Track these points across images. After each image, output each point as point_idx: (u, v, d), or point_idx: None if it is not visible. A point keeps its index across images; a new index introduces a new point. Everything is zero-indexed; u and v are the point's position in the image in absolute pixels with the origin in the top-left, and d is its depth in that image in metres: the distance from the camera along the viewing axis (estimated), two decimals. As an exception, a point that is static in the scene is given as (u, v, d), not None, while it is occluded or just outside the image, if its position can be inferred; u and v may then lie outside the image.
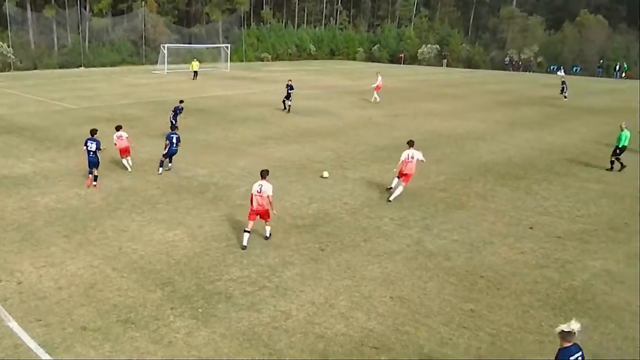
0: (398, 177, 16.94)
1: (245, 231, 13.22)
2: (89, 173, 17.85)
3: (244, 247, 13.13)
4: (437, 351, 9.18)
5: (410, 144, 16.84)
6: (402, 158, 16.58)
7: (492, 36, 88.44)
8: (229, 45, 72.53)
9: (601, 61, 73.52)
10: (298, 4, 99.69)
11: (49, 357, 8.78)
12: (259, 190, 13.05)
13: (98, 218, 14.91)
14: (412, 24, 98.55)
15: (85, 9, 72.79)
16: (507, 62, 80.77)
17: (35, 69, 64.71)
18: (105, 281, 11.29)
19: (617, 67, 71.40)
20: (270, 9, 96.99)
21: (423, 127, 29.45)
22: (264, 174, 13.33)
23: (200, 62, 59.17)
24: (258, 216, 13.21)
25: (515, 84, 55.87)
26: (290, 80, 36.12)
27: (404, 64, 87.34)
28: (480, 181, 19.34)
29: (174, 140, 19.41)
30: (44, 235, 13.63)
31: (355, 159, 22.07)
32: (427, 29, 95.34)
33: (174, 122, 23.82)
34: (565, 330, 7.08)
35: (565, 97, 43.18)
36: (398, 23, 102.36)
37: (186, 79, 53.95)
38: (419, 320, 10.10)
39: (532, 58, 79.55)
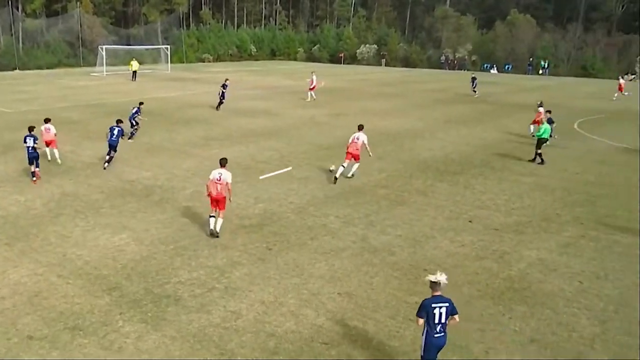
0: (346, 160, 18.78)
1: (211, 216, 14.04)
2: (32, 171, 18.40)
3: (211, 232, 13.92)
4: (384, 344, 9.48)
5: (360, 127, 19.34)
6: (350, 139, 18.86)
7: (428, 35, 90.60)
8: (168, 46, 71.56)
9: (531, 59, 76.46)
10: (237, 4, 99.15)
11: (-6, 368, 8.62)
12: (219, 178, 13.71)
13: (40, 224, 14.56)
14: (351, 24, 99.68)
15: (18, 9, 70.20)
16: (442, 61, 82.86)
17: (-34, 71, 62.04)
18: (50, 289, 11.09)
19: (546, 65, 74.47)
20: (210, 9, 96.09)
21: (365, 125, 29.83)
22: (223, 162, 14.02)
23: (139, 62, 58.11)
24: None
25: (451, 82, 57.41)
26: (227, 79, 36.35)
27: (343, 63, 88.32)
28: (421, 177, 19.91)
29: (115, 132, 20.20)
30: (-17, 244, 13.25)
31: (299, 159, 22.30)
32: (365, 28, 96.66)
33: (132, 122, 25.32)
34: (432, 280, 7.97)
35: (474, 92, 45.18)
36: (337, 23, 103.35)
37: (126, 80, 52.89)
38: (366, 314, 10.39)
39: (466, 57, 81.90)
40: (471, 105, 39.86)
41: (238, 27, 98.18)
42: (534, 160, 22.34)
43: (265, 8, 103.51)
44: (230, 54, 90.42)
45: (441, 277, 7.97)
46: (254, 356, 9.07)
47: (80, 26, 72.69)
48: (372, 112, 35.28)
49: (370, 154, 19.10)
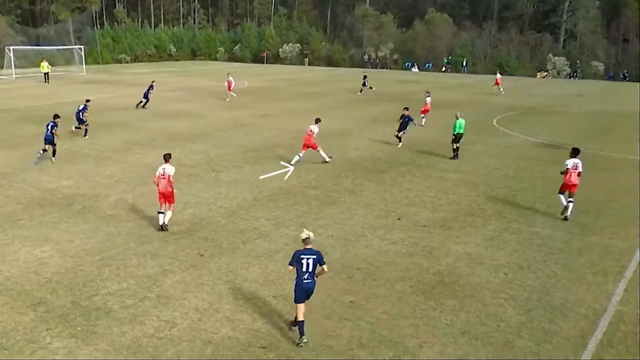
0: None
1: (159, 212, 14.60)
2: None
3: (160, 227, 14.49)
4: (321, 344, 9.53)
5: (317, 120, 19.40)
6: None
7: (350, 34, 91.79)
8: (82, 46, 68.73)
9: (449, 57, 79.00)
10: (153, 3, 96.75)
11: None
12: (163, 173, 14.44)
13: (-48, 240, 13.72)
14: (272, 22, 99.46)
15: None
16: (365, 60, 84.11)
17: None
18: (-32, 308, 10.48)
19: (464, 63, 77.13)
20: (124, 7, 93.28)
21: (291, 126, 29.95)
22: (166, 158, 14.79)
23: (51, 64, 55.63)
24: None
25: (375, 81, 58.26)
26: (154, 81, 35.78)
27: (267, 63, 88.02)
28: (349, 177, 20.17)
29: (49, 127, 21.37)
30: None
31: (227, 161, 22.07)
32: (287, 27, 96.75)
33: (80, 119, 26.39)
34: (303, 237, 9.69)
35: (369, 88, 47.18)
36: (258, 22, 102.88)
37: (37, 83, 50.57)
38: (302, 316, 10.44)
39: (388, 55, 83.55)
40: (395, 103, 40.62)
41: (156, 26, 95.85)
42: (454, 157, 23.11)
43: (183, 6, 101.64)
44: (149, 55, 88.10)
45: (310, 234, 9.68)
46: (191, 365, 8.93)
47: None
48: (297, 112, 35.38)
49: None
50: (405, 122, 25.72)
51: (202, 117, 33.11)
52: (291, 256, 9.70)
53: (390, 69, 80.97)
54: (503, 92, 49.34)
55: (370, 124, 31.66)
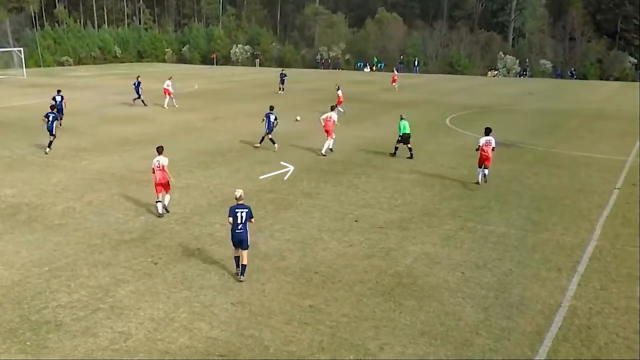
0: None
1: (157, 201, 15.97)
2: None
3: (160, 215, 15.85)
4: (282, 350, 9.42)
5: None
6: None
7: (301, 34, 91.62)
8: (21, 48, 66.27)
9: (402, 57, 79.83)
10: (96, 2, 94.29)
11: None
12: (158, 165, 15.72)
13: None
14: (220, 23, 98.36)
15: None
16: (318, 60, 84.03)
17: None
18: None
19: (416, 63, 78.10)
20: (65, 7, 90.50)
21: (244, 129, 29.60)
22: (159, 150, 16.01)
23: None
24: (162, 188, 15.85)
25: (328, 82, 58.39)
26: (139, 76, 38.30)
27: (217, 64, 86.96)
28: (305, 179, 20.06)
29: (50, 118, 23.71)
30: None
31: (179, 166, 21.55)
32: (236, 28, 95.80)
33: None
34: (237, 195, 12.21)
35: (282, 89, 47.71)
36: (206, 22, 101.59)
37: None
38: (261, 322, 10.27)
39: (339, 55, 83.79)
40: (348, 104, 40.73)
41: (99, 27, 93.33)
42: (394, 154, 23.73)
43: (127, 6, 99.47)
44: (93, 57, 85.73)
45: (241, 191, 12.41)
46: (149, 378, 8.66)
47: None
48: (250, 114, 34.93)
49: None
50: (268, 121, 24.58)
51: (152, 121, 32.44)
52: (228, 211, 12.05)
53: (342, 69, 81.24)
54: (397, 89, 51.57)
55: (319, 125, 31.52)
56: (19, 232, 14.57)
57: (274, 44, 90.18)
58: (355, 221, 15.74)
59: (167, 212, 16.10)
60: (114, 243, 13.94)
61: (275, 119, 24.73)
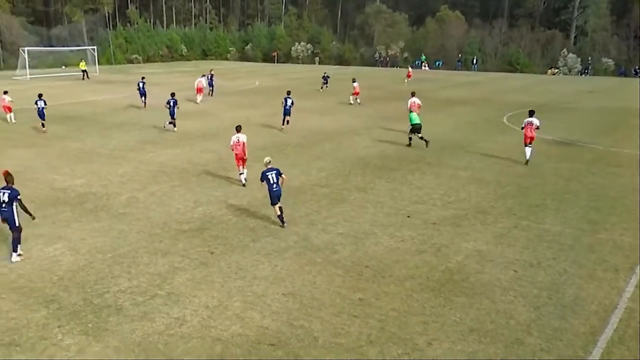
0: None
1: (240, 174, 18.67)
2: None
3: (244, 184, 18.44)
4: (331, 341, 9.55)
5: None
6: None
7: (360, 33, 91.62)
8: (95, 47, 69.18)
9: (460, 55, 78.70)
10: (165, 3, 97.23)
11: None
12: (237, 141, 18.27)
13: (-34, 238, 13.91)
14: (282, 22, 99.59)
15: None
16: (376, 58, 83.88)
17: None
18: (-18, 305, 10.62)
19: (474, 61, 76.84)
20: (137, 8, 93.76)
21: (301, 124, 29.98)
22: (238, 129, 18.71)
23: (64, 64, 56.42)
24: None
25: (385, 79, 58.31)
26: (212, 69, 42.13)
27: (277, 62, 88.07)
28: (359, 175, 20.17)
29: (171, 103, 28.03)
30: None
31: (237, 160, 22.12)
32: (297, 27, 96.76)
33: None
34: (265, 161, 14.97)
35: (324, 88, 48.29)
36: (268, 22, 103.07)
37: (52, 84, 50.94)
38: (311, 313, 10.44)
39: (398, 54, 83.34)
40: (405, 101, 40.46)
41: (167, 26, 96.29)
42: (409, 145, 24.76)
43: (194, 7, 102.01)
44: (161, 55, 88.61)
45: (269, 158, 15.25)
46: (201, 362, 8.98)
47: (-1, 27, 69.54)
48: (308, 110, 35.40)
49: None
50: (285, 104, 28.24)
51: (213, 116, 33.23)
52: (260, 175, 14.79)
53: (400, 67, 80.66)
54: (406, 83, 53.14)
55: (381, 122, 31.60)
56: (86, 220, 15.32)
57: (333, 42, 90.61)
58: (408, 217, 15.73)
59: (246, 180, 18.51)
60: (174, 232, 14.46)
61: (292, 103, 28.43)
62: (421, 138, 24.57)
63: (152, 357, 9.06)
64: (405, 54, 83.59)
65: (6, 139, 26.35)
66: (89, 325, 9.97)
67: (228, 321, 10.15)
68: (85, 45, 72.30)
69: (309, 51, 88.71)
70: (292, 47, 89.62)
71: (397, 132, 27.95)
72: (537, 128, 21.68)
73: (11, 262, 12.54)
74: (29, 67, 57.81)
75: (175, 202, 16.95)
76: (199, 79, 40.31)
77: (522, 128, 21.87)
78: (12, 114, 30.63)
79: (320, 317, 10.33)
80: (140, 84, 36.87)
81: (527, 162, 21.47)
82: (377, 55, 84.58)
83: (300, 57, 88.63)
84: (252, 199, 17.32)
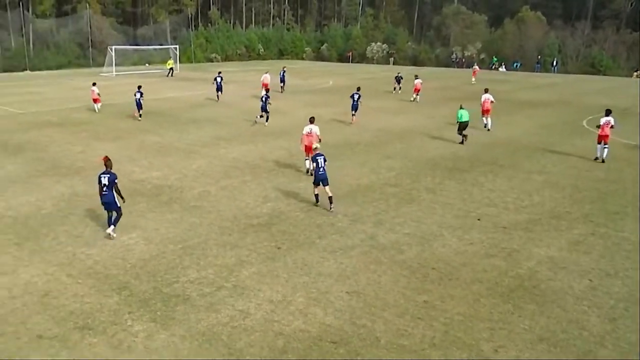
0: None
1: (306, 159, 19.64)
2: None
3: (307, 169, 19.35)
4: (393, 342, 9.44)
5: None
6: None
7: (437, 34, 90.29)
8: (177, 46, 71.57)
9: (539, 57, 76.08)
10: (245, 4, 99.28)
11: (5, 368, 8.69)
12: (309, 132, 19.25)
13: (50, 224, 14.67)
14: (359, 23, 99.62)
15: (28, 10, 70.76)
16: (453, 60, 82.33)
17: (-23, 72, 62.56)
18: (60, 288, 11.16)
19: (554, 63, 74.09)
20: (218, 9, 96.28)
21: (373, 124, 29.91)
22: (312, 120, 19.80)
23: (148, 62, 58.77)
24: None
25: (459, 80, 57.21)
26: (285, 67, 43.67)
27: (352, 62, 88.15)
28: (429, 175, 19.86)
29: (264, 98, 29.59)
30: (-6, 244, 13.37)
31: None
32: (373, 27, 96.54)
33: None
34: (314, 147, 16.56)
35: (397, 90, 46.91)
36: (345, 22, 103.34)
37: (136, 81, 52.91)
38: (375, 313, 10.36)
39: (474, 55, 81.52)
40: (479, 103, 39.54)
41: (246, 27, 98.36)
42: (462, 143, 25.01)
43: (273, 8, 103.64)
44: (239, 54, 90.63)
45: (318, 145, 16.70)
46: (263, 355, 9.06)
47: (90, 27, 73.05)
48: (381, 110, 35.24)
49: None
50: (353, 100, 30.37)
51: (287, 113, 33.59)
52: (311, 159, 16.52)
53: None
54: (474, 82, 53.38)
55: (454, 122, 30.85)
56: (160, 211, 15.85)
57: (409, 43, 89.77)
58: (478, 219, 15.34)
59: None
60: (242, 226, 14.71)
61: (359, 97, 30.36)
62: (463, 135, 25.12)
63: (215, 348, 9.24)
64: (482, 55, 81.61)
65: (93, 132, 27.63)
66: (158, 313, 10.29)
67: (291, 316, 10.22)
68: (168, 44, 74.92)
69: (384, 51, 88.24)
70: (368, 48, 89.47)
71: (469, 133, 27.29)
72: (612, 127, 21.85)
73: (106, 232, 13.65)
74: (115, 64, 60.39)
75: (246, 196, 17.25)
76: (264, 75, 42.00)
77: (598, 127, 22.25)
78: (98, 104, 33.48)
79: (384, 317, 10.24)
80: (218, 79, 39.05)
81: (603, 160, 21.83)
82: (454, 56, 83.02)
83: (375, 57, 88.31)
84: (320, 196, 17.34)
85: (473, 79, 55.31)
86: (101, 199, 13.56)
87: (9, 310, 10.27)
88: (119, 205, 13.63)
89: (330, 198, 15.76)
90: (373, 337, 9.59)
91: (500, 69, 76.02)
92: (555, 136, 27.20)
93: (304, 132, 19.42)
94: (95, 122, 30.30)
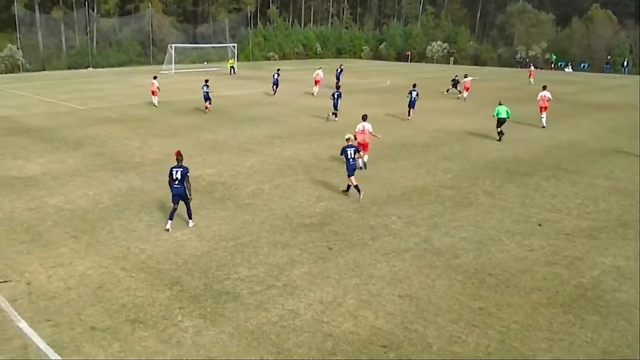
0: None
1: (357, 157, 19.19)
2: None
3: (360, 167, 19.11)
4: (445, 349, 9.13)
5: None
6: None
7: (500, 33, 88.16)
8: (235, 44, 72.47)
9: (608, 57, 73.20)
10: (304, 3, 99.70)
11: (58, 357, 8.80)
12: (362, 129, 19.83)
13: (106, 218, 14.97)
14: (419, 21, 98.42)
15: (93, 10, 73.21)
16: (518, 59, 79.96)
17: (43, 70, 65.19)
18: (114, 281, 11.33)
19: (625, 63, 71.09)
20: (277, 8, 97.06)
21: (430, 124, 29.37)
22: (364, 117, 20.18)
23: (206, 60, 59.74)
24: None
25: (522, 81, 55.61)
26: (342, 65, 44.89)
27: (411, 61, 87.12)
28: (488, 178, 19.27)
29: (335, 96, 30.29)
30: (53, 236, 13.71)
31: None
32: (434, 26, 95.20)
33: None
34: (346, 137, 17.11)
35: (450, 92, 44.99)
36: (404, 21, 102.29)
37: (194, 79, 53.95)
38: (427, 318, 10.06)
39: (539, 54, 79.19)
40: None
41: (304, 25, 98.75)
42: (500, 140, 25.23)
43: (332, 6, 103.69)
44: (296, 52, 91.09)
45: (350, 136, 17.38)
46: (311, 356, 8.91)
47: (151, 25, 74.91)
48: (439, 110, 34.61)
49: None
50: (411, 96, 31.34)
51: (343, 113, 33.28)
52: (340, 151, 16.99)
53: (541, 68, 76.43)
54: (533, 83, 52.43)
55: (516, 124, 29.97)
56: (213, 208, 15.93)
57: (471, 42, 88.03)
58: (539, 225, 14.72)
59: (365, 168, 19.82)
60: (294, 225, 14.61)
61: (417, 95, 31.42)
62: (500, 132, 25.43)
63: (263, 347, 9.14)
64: (547, 55, 79.15)
65: (151, 128, 28.20)
66: (208, 309, 10.28)
67: (341, 318, 10.03)
68: (226, 43, 76.01)
69: (444, 51, 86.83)
70: (427, 47, 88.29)
71: (532, 136, 26.46)
72: None
73: (189, 226, 14.38)
74: (174, 62, 61.64)
75: (299, 195, 17.15)
76: (316, 72, 42.90)
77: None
78: (156, 97, 35.10)
79: (437, 322, 9.92)
80: (275, 75, 40.79)
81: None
82: (518, 56, 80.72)
83: (434, 57, 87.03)
84: (374, 197, 17.09)
85: (531, 80, 54.47)
86: (172, 190, 14.06)
87: (64, 302, 10.47)
88: (188, 197, 14.14)
89: (357, 186, 16.52)
90: (425, 343, 9.30)
91: (566, 69, 73.59)
92: (624, 140, 25.97)
93: (357, 129, 19.87)
94: (153, 119, 30.92)
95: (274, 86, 40.75)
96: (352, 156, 16.45)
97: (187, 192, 13.99)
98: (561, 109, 36.53)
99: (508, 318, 10.08)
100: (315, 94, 40.92)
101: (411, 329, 9.69)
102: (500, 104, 25.59)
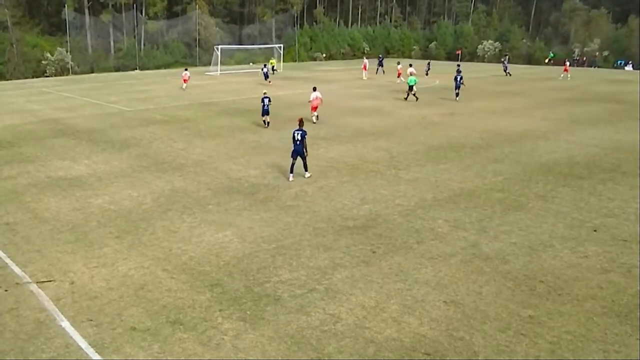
0: None
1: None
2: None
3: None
4: (492, 358, 8.72)
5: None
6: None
7: (555, 31, 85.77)
8: (281, 45, 72.67)
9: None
10: (352, 3, 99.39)
11: (99, 357, 8.82)
12: (315, 97, 22.35)
13: (149, 219, 15.07)
14: (470, 20, 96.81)
15: (142, 13, 74.83)
16: (575, 58, 77.53)
17: (92, 72, 67.08)
18: (155, 282, 11.34)
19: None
20: (324, 8, 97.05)
21: (480, 125, 28.61)
22: (315, 89, 24.63)
23: (252, 61, 60.10)
24: None
25: (579, 80, 53.85)
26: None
27: (461, 61, 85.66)
28: (541, 181, 18.56)
29: (264, 102, 29.14)
30: (97, 236, 13.88)
31: (409, 159, 21.59)
32: (486, 25, 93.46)
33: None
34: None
35: (508, 74, 53.41)
36: (455, 20, 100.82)
37: (239, 80, 54.44)
38: (474, 326, 9.66)
39: (596, 53, 76.63)
40: (601, 104, 36.97)
41: (351, 25, 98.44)
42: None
43: (380, 5, 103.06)
44: (342, 53, 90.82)
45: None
46: (352, 363, 8.66)
47: (198, 27, 75.95)
48: (489, 111, 33.73)
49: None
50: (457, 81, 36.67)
51: (389, 114, 32.98)
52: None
53: (598, 67, 73.95)
54: (569, 78, 53.99)
55: (571, 125, 28.98)
56: (255, 210, 15.83)
57: (524, 40, 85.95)
58: (594, 231, 14.03)
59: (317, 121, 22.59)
60: (337, 228, 14.35)
61: (462, 78, 37.20)
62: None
63: (303, 351, 8.93)
64: (605, 53, 76.46)
65: (195, 129, 28.47)
66: (248, 312, 10.15)
67: (383, 324, 9.74)
68: (272, 43, 76.38)
69: (496, 49, 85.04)
70: (479, 46, 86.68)
71: (589, 137, 25.44)
72: None
73: (305, 177, 18.74)
74: (220, 63, 62.23)
75: (342, 197, 16.89)
76: (365, 60, 49.50)
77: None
78: (185, 84, 40.69)
79: (484, 330, 9.51)
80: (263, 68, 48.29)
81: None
82: (575, 54, 78.22)
83: (486, 55, 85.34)
84: (420, 199, 16.69)
85: (568, 75, 55.40)
86: (294, 147, 18.25)
87: (105, 302, 10.52)
88: (305, 154, 18.31)
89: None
90: (471, 352, 8.92)
91: (626, 68, 70.96)
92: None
93: (311, 97, 23.24)
94: (198, 120, 31.22)
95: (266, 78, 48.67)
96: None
97: (304, 149, 18.08)
98: (619, 108, 35.15)
99: (559, 327, 9.58)
100: (365, 78, 51.74)
101: (456, 337, 9.32)
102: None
